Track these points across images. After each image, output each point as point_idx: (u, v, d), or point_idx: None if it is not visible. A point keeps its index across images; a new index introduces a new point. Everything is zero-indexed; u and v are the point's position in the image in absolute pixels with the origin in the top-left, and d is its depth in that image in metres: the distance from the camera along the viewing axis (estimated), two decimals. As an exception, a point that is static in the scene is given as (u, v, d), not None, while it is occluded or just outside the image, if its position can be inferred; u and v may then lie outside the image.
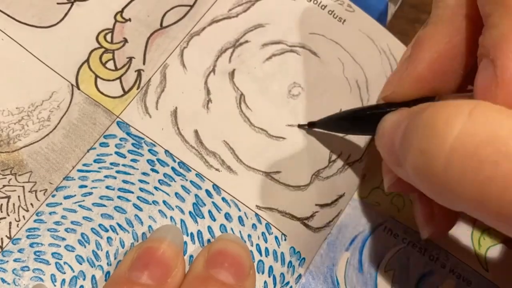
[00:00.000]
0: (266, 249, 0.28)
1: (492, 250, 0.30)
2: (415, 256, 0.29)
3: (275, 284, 0.28)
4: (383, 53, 0.33)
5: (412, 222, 0.30)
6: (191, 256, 0.27)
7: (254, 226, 0.28)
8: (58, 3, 0.30)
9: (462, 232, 0.30)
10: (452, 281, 0.29)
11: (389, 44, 0.33)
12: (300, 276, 0.29)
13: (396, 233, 0.30)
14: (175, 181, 0.28)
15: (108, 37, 0.30)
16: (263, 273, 0.28)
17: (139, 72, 0.30)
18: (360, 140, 0.31)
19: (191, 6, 0.32)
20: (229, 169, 0.29)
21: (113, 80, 0.30)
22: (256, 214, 0.28)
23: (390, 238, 0.30)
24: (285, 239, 0.28)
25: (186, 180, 0.28)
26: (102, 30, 0.30)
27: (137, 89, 0.30)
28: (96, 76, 0.29)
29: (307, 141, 0.30)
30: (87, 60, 0.30)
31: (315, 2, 0.33)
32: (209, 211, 0.28)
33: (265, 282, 0.28)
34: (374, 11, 0.34)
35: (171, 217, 0.28)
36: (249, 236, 0.28)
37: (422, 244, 0.30)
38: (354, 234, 0.30)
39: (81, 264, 0.26)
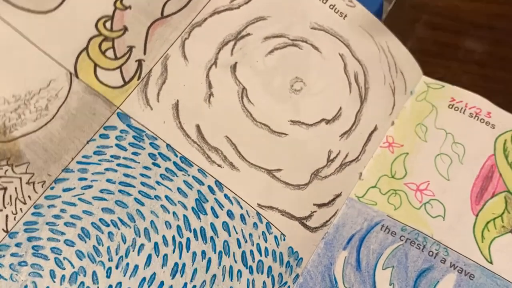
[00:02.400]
0: (266, 249, 0.28)
1: (498, 241, 0.30)
2: (414, 253, 0.30)
3: (273, 284, 0.28)
4: (381, 51, 0.33)
5: (409, 220, 0.30)
6: (194, 253, 0.27)
7: (255, 225, 0.28)
8: (56, -13, 0.29)
9: (463, 226, 0.30)
10: (453, 275, 0.29)
11: (388, 41, 0.34)
12: (297, 276, 0.29)
13: (394, 231, 0.30)
14: (177, 176, 0.28)
15: (108, 24, 0.29)
16: (262, 273, 0.28)
17: (139, 62, 0.29)
18: (358, 139, 0.31)
19: (193, -4, 0.31)
20: (232, 166, 0.29)
21: (113, 69, 0.29)
22: (258, 213, 0.28)
23: (387, 236, 0.30)
24: (284, 239, 0.28)
25: (188, 175, 0.28)
26: (102, 17, 0.29)
27: (138, 79, 0.29)
28: (96, 65, 0.29)
29: (308, 139, 0.30)
30: (86, 48, 0.29)
31: (317, -4, 0.33)
32: (212, 208, 0.28)
33: (264, 282, 0.28)
34: (369, 10, 0.34)
35: (174, 213, 0.27)
36: (250, 235, 0.28)
37: (420, 241, 0.30)
38: (351, 233, 0.30)
39: (81, 259, 0.26)
